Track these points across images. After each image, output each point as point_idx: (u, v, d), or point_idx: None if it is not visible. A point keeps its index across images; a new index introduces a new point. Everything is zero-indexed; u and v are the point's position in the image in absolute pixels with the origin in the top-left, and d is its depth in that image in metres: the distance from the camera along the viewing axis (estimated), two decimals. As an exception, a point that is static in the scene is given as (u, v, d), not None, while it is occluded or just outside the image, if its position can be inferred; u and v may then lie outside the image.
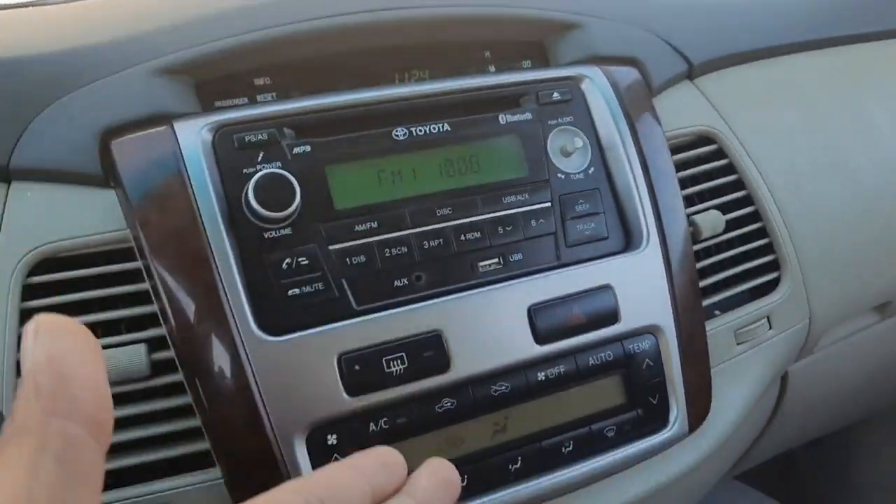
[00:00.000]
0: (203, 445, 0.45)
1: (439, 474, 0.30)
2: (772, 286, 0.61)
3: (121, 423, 0.45)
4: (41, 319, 0.22)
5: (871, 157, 0.68)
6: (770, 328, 0.60)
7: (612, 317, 0.51)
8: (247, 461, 0.44)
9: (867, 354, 0.75)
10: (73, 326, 0.22)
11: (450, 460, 0.47)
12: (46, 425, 0.20)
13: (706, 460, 0.56)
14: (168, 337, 0.44)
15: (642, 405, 0.52)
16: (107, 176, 0.47)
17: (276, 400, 0.44)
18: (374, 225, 0.48)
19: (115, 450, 0.44)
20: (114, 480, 0.44)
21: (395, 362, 0.46)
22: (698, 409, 0.54)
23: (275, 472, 0.44)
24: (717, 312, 0.59)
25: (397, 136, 0.50)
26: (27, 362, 0.21)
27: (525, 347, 0.49)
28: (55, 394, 0.20)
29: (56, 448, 0.20)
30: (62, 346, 0.21)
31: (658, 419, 0.52)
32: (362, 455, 0.29)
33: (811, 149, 0.66)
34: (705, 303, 0.57)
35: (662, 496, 0.57)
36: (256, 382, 0.44)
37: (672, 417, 0.53)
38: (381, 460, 0.29)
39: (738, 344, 0.59)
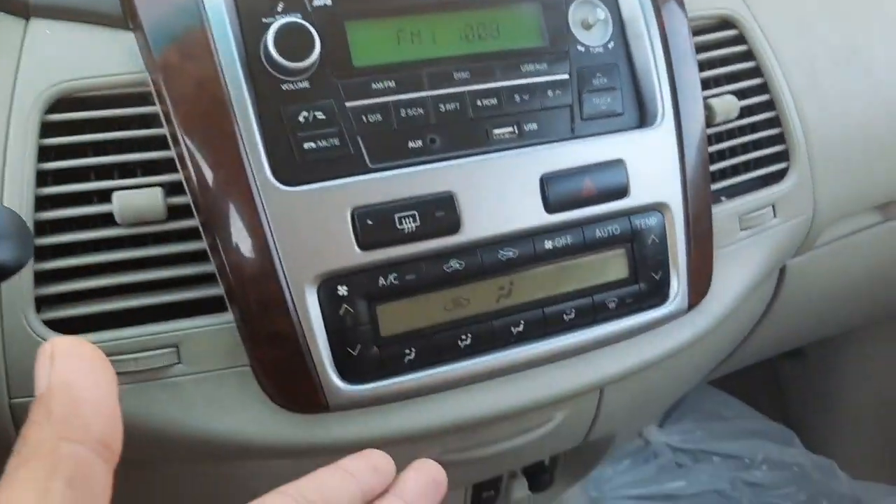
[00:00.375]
0: (216, 290, 0.46)
1: (427, 474, 0.31)
2: (779, 176, 0.62)
3: (136, 265, 0.46)
4: (57, 344, 0.22)
5: (890, 54, 0.67)
6: (774, 217, 0.61)
7: (621, 191, 0.52)
8: (258, 306, 0.45)
9: (865, 256, 0.76)
10: (88, 350, 0.22)
11: (454, 320, 0.49)
12: (58, 449, 0.20)
13: (701, 339, 0.58)
14: (185, 182, 0.45)
15: (645, 280, 0.53)
16: (126, 17, 0.46)
17: (289, 249, 0.45)
18: (392, 84, 0.48)
19: (129, 290, 0.45)
20: (126, 319, 0.45)
21: (408, 220, 0.46)
22: (698, 288, 0.55)
23: (286, 318, 0.45)
24: (723, 199, 0.59)
25: (418, -5, 0.50)
26: (41, 386, 0.21)
27: (535, 215, 0.50)
28: (67, 418, 0.21)
29: (67, 471, 0.20)
30: (76, 371, 0.22)
31: (659, 294, 0.54)
32: (352, 458, 0.30)
33: (831, 41, 0.65)
34: (713, 188, 0.58)
35: (656, 373, 0.59)
36: (271, 230, 0.44)
37: (672, 293, 0.54)
38: (371, 464, 0.30)
39: (741, 229, 0.59)
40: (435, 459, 0.54)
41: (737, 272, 0.59)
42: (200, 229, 0.45)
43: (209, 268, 0.46)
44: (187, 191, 0.45)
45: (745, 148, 0.61)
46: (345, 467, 0.29)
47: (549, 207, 0.50)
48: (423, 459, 0.32)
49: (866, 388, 1.30)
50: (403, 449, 0.52)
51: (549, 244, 0.50)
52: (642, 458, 1.35)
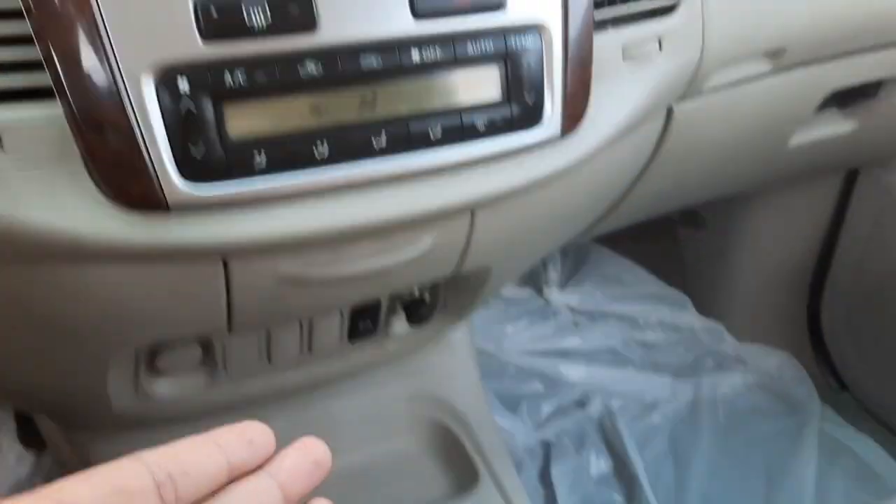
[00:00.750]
0: (43, 78, 0.42)
1: (308, 456, 0.29)
2: (669, 10, 0.60)
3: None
4: None
5: None
6: (660, 51, 0.60)
7: (496, 3, 0.49)
8: (89, 97, 0.41)
9: (754, 108, 0.76)
10: None
11: (311, 128, 0.47)
12: None
13: (576, 170, 0.57)
14: None
15: (517, 101, 0.51)
16: None
17: (122, 35, 0.41)
18: None
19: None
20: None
21: (257, 12, 0.43)
22: (573, 113, 0.54)
23: (120, 110, 0.42)
24: (607, 28, 0.57)
25: None
26: None
27: (401, 22, 0.47)
28: None
29: None
30: None
31: (531, 117, 0.52)
32: (226, 430, 0.28)
33: None
34: (598, 16, 0.56)
35: (530, 205, 0.59)
36: (101, 13, 0.40)
37: (546, 117, 0.52)
38: (245, 437, 0.28)
39: (624, 60, 0.58)
40: (298, 275, 0.53)
41: (616, 103, 0.58)
42: (23, 11, 0.41)
43: (35, 53, 0.42)
44: (6, -36, 0.40)
45: (636, -23, 0.58)
46: (215, 438, 0.27)
47: (417, 13, 0.47)
48: (310, 438, 0.30)
49: (758, 257, 1.35)
50: (262, 262, 0.51)
51: (416, 56, 0.48)
52: (541, 317, 1.38)
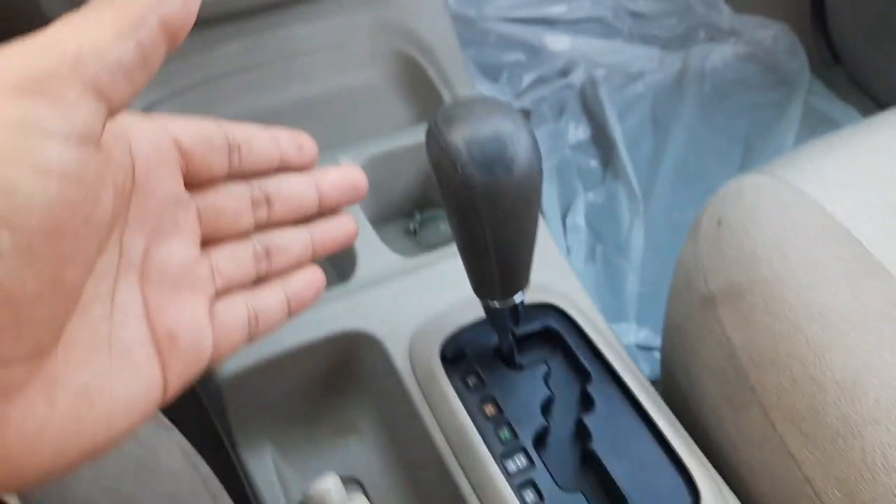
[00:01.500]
0: None
1: (348, 175, 0.32)
2: None
3: None
4: None
5: None
6: None
7: None
8: None
9: None
10: None
11: None
12: (147, 12, 0.21)
13: None
14: None
15: None
16: None
17: None
18: None
19: None
20: None
21: None
22: None
23: None
24: None
25: None
26: None
27: None
28: None
29: (144, 34, 0.21)
30: None
31: None
32: (282, 130, 0.31)
33: None
34: None
35: None
36: None
37: None
38: (296, 140, 0.31)
39: None
40: None
41: None
42: None
43: None
44: None
45: None
46: (272, 131, 0.30)
47: None
48: (353, 165, 0.33)
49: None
50: None
51: None
52: (527, -19, 1.30)
